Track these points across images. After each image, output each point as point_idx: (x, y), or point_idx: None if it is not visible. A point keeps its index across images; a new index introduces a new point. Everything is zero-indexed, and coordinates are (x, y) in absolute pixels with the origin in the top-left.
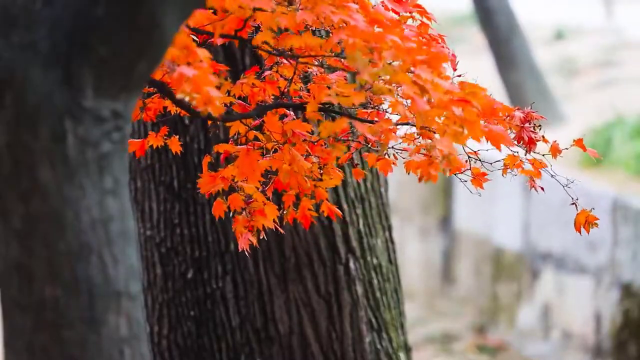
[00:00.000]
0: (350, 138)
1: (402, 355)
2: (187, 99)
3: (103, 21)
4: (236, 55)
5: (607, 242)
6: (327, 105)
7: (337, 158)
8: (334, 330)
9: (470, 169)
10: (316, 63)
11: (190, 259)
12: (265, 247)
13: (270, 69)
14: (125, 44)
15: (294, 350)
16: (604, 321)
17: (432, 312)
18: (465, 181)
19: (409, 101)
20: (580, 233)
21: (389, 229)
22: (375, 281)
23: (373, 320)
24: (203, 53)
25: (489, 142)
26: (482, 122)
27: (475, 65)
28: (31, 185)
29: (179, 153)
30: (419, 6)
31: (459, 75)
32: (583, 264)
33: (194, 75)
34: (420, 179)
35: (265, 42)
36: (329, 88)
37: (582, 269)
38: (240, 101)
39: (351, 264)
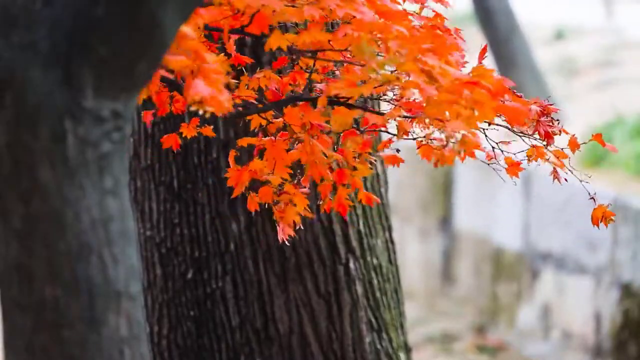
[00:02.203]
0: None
1: (402, 355)
2: (200, 111)
3: (103, 21)
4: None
5: (607, 242)
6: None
7: (375, 147)
8: (334, 331)
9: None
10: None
11: (190, 259)
12: (265, 247)
13: (295, 62)
14: (125, 44)
15: (294, 351)
16: (604, 321)
17: (432, 312)
18: (500, 170)
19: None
20: (598, 227)
21: (389, 229)
22: (375, 281)
23: (373, 320)
24: (211, 57)
25: (505, 120)
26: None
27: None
28: (31, 185)
29: (210, 137)
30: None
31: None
32: (583, 264)
33: (210, 94)
34: (436, 164)
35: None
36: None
37: (582, 269)
38: (273, 90)
39: (351, 264)
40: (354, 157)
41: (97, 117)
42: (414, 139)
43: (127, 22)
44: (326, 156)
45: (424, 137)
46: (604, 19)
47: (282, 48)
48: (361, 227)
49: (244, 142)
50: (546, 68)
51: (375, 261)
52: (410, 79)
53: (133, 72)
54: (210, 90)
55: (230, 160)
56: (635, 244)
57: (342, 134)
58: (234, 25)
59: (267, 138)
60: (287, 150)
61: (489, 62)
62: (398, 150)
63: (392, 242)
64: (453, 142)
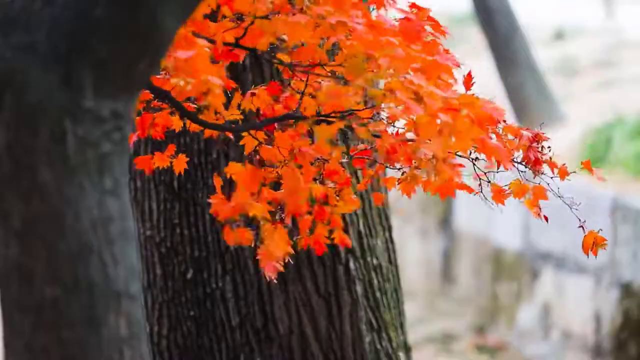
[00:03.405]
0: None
1: (402, 355)
2: (181, 82)
3: (103, 22)
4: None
5: (607, 242)
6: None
7: (355, 184)
8: (334, 330)
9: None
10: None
11: (190, 258)
12: None
13: (288, 82)
14: (125, 45)
15: (294, 350)
16: (603, 321)
17: (432, 312)
18: (487, 198)
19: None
20: (587, 256)
21: (389, 229)
22: (375, 281)
23: (373, 320)
24: (203, 42)
25: (482, 154)
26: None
27: (475, 66)
28: (31, 185)
29: (182, 173)
30: (431, 19)
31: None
32: (583, 264)
33: (188, 58)
34: (425, 190)
35: (273, 49)
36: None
37: (582, 269)
38: (265, 109)
39: (351, 264)
40: (335, 194)
41: (97, 117)
42: (399, 168)
43: (127, 22)
44: (315, 182)
45: (399, 168)
46: (604, 19)
47: (273, 42)
48: (361, 227)
49: (230, 169)
50: (546, 68)
51: (375, 261)
52: (397, 95)
53: (133, 72)
54: (189, 54)
55: (216, 185)
56: (635, 244)
57: (324, 170)
58: (228, 39)
59: (249, 166)
60: (269, 184)
61: (489, 62)
62: (385, 189)
63: (392, 242)
64: (428, 166)
